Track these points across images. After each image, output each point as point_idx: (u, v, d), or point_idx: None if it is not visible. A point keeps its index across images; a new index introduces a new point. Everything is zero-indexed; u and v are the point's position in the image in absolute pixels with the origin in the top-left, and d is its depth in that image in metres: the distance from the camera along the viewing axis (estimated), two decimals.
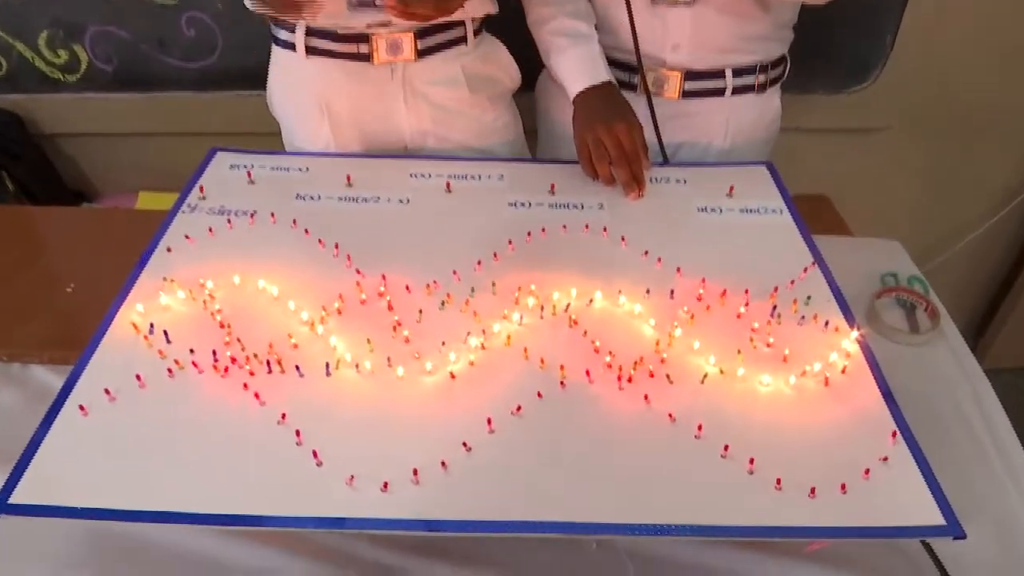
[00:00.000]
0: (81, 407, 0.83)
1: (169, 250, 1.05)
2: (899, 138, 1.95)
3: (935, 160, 2.00)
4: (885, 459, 0.81)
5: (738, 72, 1.30)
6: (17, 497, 0.75)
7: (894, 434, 0.84)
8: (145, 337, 0.92)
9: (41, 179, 1.77)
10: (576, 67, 1.23)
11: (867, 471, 0.80)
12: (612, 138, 1.17)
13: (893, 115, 1.90)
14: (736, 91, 1.31)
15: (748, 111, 1.35)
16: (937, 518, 0.76)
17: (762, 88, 1.33)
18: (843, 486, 0.78)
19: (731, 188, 1.22)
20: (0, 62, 1.71)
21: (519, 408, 0.85)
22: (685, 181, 1.25)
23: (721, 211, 1.18)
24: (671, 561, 0.84)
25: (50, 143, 1.83)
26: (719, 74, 1.29)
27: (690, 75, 1.29)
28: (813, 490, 0.78)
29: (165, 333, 0.92)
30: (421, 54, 1.23)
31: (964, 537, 0.75)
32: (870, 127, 1.94)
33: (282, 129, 1.37)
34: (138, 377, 0.87)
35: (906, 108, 1.88)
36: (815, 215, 1.42)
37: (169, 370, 0.88)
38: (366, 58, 1.21)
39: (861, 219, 1.63)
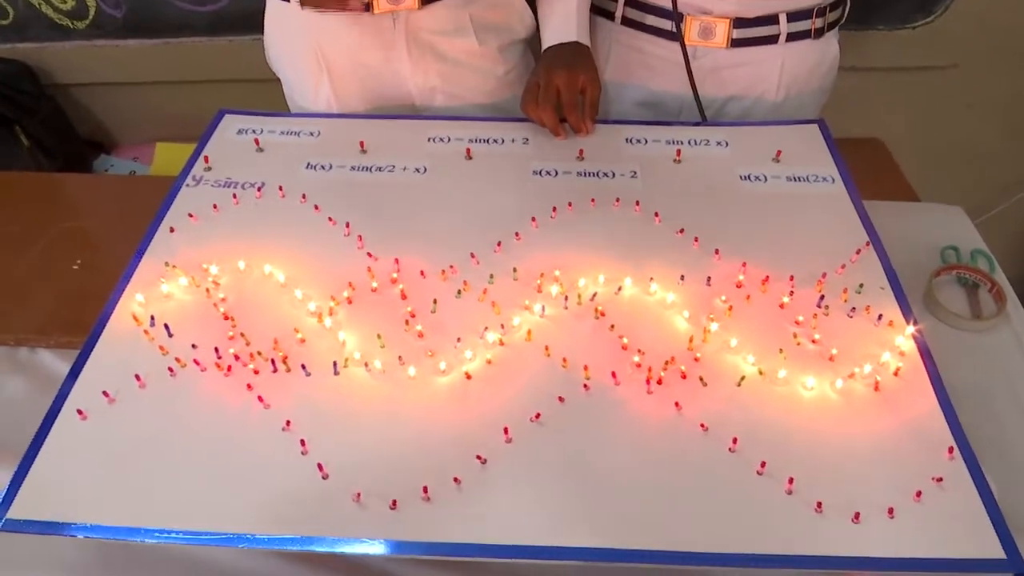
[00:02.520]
0: (79, 411, 0.79)
1: (172, 230, 0.99)
2: (965, 77, 1.78)
3: (1003, 102, 1.83)
4: (939, 480, 0.73)
5: (793, 17, 1.17)
6: (15, 512, 0.72)
7: (951, 450, 0.76)
8: (146, 331, 0.87)
9: (56, 132, 1.72)
10: (552, 21, 1.16)
11: (919, 493, 0.72)
12: (567, 84, 1.11)
13: (960, 52, 1.73)
14: (791, 37, 1.18)
15: (804, 59, 1.22)
16: (996, 550, 0.69)
17: (819, 33, 1.20)
18: (891, 510, 0.71)
19: (778, 153, 1.11)
20: (7, 9, 1.64)
21: (538, 415, 0.79)
22: (726, 143, 1.14)
23: (766, 179, 1.08)
24: (696, 573, 0.79)
25: (63, 93, 1.77)
26: (772, 19, 1.17)
27: (739, 22, 1.16)
28: (857, 515, 0.71)
29: (166, 327, 0.87)
30: (425, 1, 1.12)
31: None
32: (934, 65, 1.77)
33: (283, 86, 1.28)
34: (137, 377, 0.82)
35: (976, 44, 1.71)
36: (867, 161, 1.32)
37: (170, 369, 0.83)
38: (365, 8, 1.10)
39: (918, 165, 1.51)
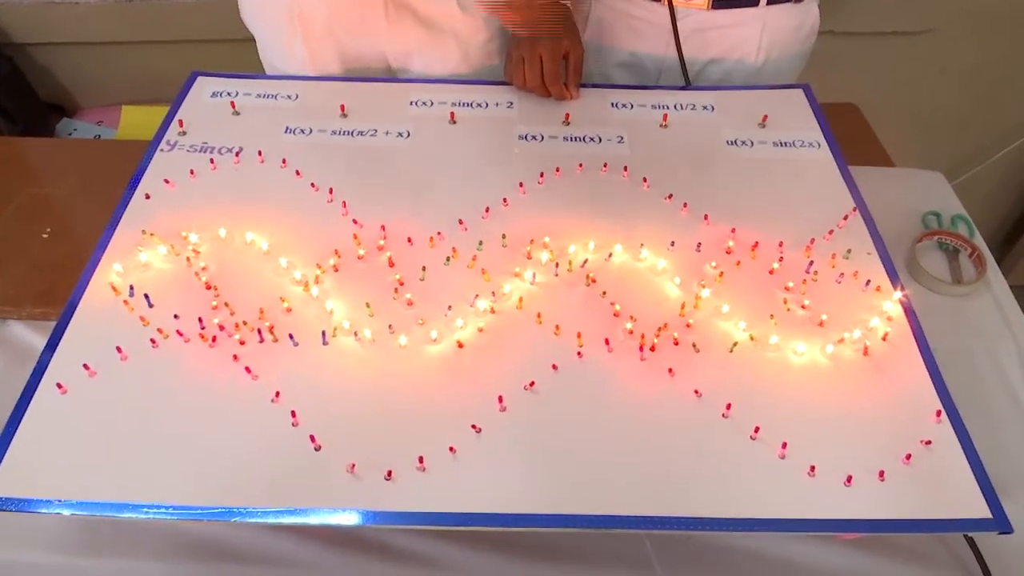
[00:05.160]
0: (59, 385, 0.77)
1: (148, 197, 0.96)
2: (941, 42, 1.79)
3: (976, 68, 1.84)
4: (928, 442, 0.75)
5: None
6: None
7: (938, 413, 0.77)
8: (125, 301, 0.84)
9: (15, 94, 1.64)
10: None
11: (908, 456, 0.74)
12: (550, 53, 1.08)
13: (937, 17, 1.74)
14: (772, 0, 1.17)
15: (785, 22, 1.20)
16: (983, 510, 0.71)
17: None
18: (881, 473, 0.72)
19: (764, 117, 1.10)
20: None
21: (532, 384, 0.79)
22: (712, 108, 1.14)
23: (752, 144, 1.08)
24: (691, 540, 0.80)
25: (21, 53, 1.69)
26: None
27: None
28: (850, 478, 0.72)
29: (146, 296, 0.84)
30: None
31: (1011, 531, 0.70)
32: (910, 30, 1.78)
33: (258, 46, 1.24)
34: (119, 349, 0.80)
35: (951, 10, 1.72)
36: (842, 125, 1.31)
37: (152, 340, 0.81)
38: None
39: (892, 130, 1.51)
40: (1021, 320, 0.99)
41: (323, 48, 1.17)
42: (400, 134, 1.07)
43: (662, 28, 1.18)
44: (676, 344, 0.83)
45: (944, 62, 1.84)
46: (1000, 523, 0.70)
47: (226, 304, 0.84)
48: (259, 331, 0.82)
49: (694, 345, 0.82)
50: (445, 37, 1.17)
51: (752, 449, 0.75)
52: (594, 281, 0.89)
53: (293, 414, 0.75)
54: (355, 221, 0.94)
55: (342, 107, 1.09)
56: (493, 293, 0.86)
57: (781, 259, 0.91)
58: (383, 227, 0.93)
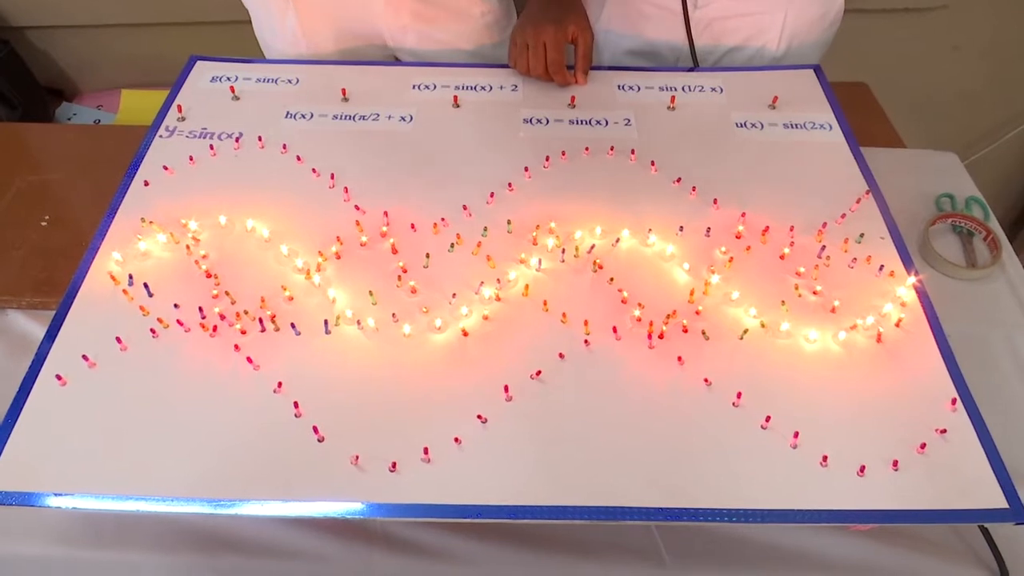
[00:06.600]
0: (59, 376, 0.76)
1: (146, 184, 0.94)
2: (954, 19, 1.76)
3: (990, 45, 1.81)
4: (943, 431, 0.73)
5: None
6: None
7: (953, 401, 0.75)
8: (124, 291, 0.83)
9: (14, 79, 1.63)
10: None
11: (923, 445, 0.72)
12: (554, 40, 1.05)
13: None
14: None
15: (809, 10, 1.16)
16: (999, 500, 0.69)
17: None
18: (895, 462, 0.71)
19: (774, 99, 1.08)
20: None
21: (539, 373, 0.77)
22: (721, 89, 1.11)
23: (762, 126, 1.05)
24: (701, 531, 0.79)
25: (20, 37, 1.67)
26: None
27: None
28: (863, 468, 0.70)
29: (146, 286, 0.83)
30: None
31: None
32: (923, 7, 1.74)
33: (252, 22, 1.21)
34: (118, 339, 0.78)
35: None
36: (852, 105, 1.29)
37: (152, 330, 0.80)
38: None
39: (903, 108, 1.49)
40: None
41: (316, 24, 1.14)
42: (403, 118, 1.05)
43: (678, 15, 1.14)
44: (685, 332, 0.81)
45: (957, 39, 1.80)
46: (1017, 513, 0.68)
47: (227, 293, 0.83)
48: (260, 320, 0.81)
49: (703, 332, 0.81)
50: (439, 10, 1.15)
51: (763, 439, 0.73)
52: (601, 267, 0.87)
53: (295, 405, 0.74)
54: (357, 207, 0.92)
55: (343, 91, 1.07)
56: (498, 280, 0.85)
57: (792, 244, 0.89)
58: (386, 213, 0.91)
